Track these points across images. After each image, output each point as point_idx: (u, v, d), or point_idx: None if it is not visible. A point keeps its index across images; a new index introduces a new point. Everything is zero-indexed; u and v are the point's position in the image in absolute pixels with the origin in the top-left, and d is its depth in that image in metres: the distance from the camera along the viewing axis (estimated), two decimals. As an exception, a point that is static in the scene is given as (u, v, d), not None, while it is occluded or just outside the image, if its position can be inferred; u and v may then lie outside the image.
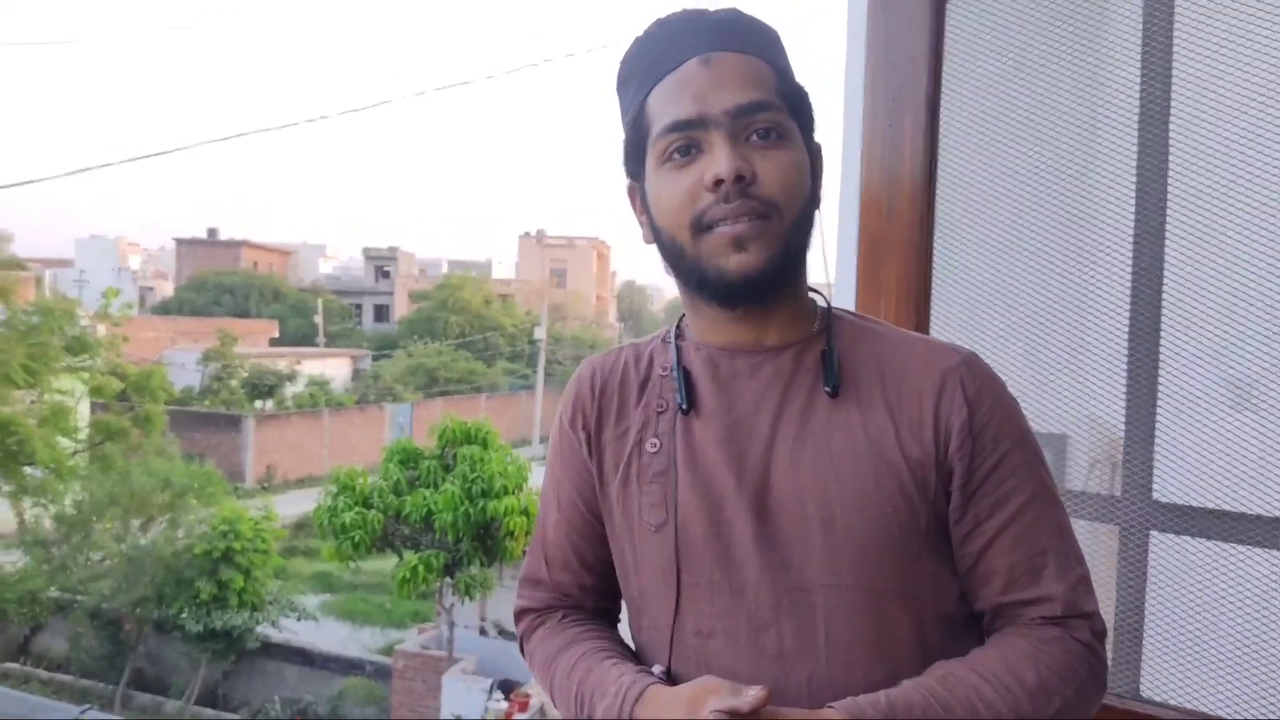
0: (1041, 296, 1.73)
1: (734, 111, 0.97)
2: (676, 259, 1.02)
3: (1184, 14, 1.57)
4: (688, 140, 0.98)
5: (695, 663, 0.99)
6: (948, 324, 1.79)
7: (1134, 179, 1.61)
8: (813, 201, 1.03)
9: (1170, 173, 1.57)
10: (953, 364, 1.01)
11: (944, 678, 0.93)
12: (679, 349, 1.08)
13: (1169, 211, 1.57)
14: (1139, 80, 1.61)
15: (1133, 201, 1.61)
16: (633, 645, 1.10)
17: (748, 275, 0.97)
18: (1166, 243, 1.57)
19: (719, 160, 0.96)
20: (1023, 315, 1.75)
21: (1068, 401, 1.67)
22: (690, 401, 1.04)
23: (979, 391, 1.00)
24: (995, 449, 0.98)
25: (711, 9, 1.04)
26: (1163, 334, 1.56)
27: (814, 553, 0.96)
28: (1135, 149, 1.61)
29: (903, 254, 1.85)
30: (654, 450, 1.04)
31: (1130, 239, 1.61)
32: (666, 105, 0.99)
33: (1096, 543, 1.63)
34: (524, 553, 15.53)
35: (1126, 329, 1.60)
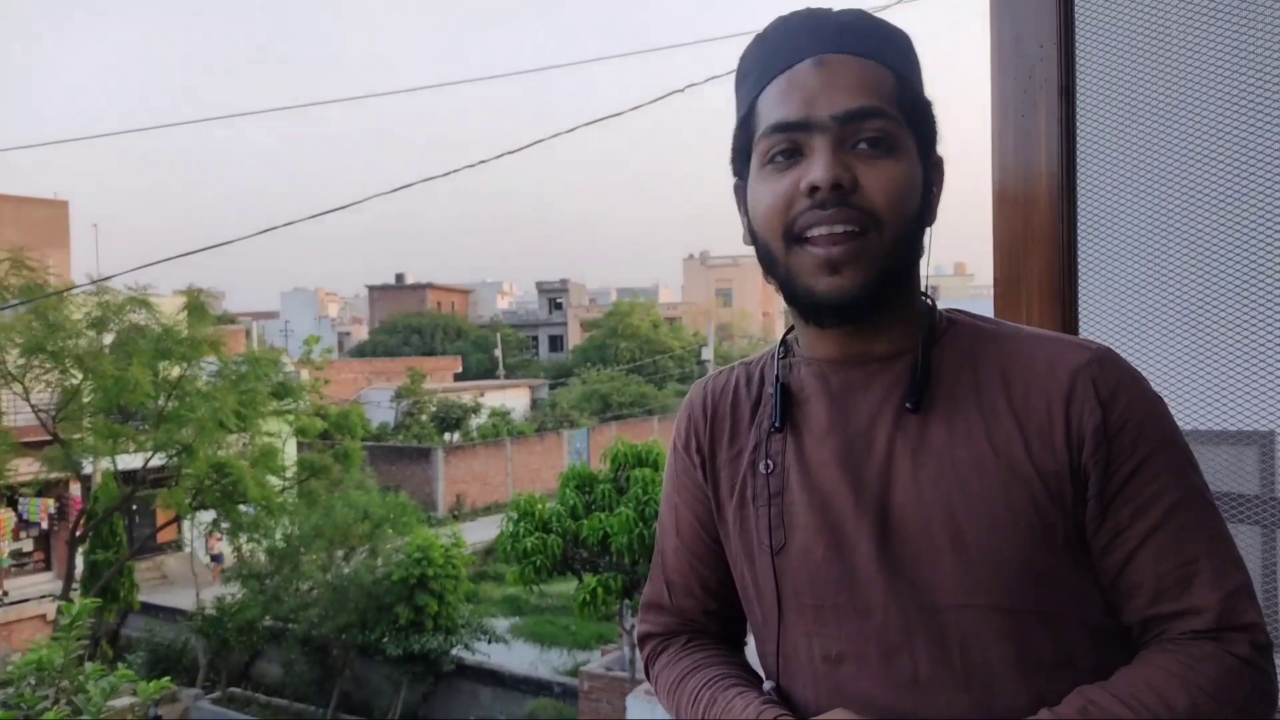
0: (1200, 288, 1.59)
1: (842, 117, 0.91)
2: (769, 266, 0.97)
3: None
4: (791, 143, 0.93)
5: (827, 690, 0.95)
6: (1098, 325, 1.67)
7: (1297, 151, 1.45)
8: (922, 218, 0.96)
9: (1340, 140, 1.41)
10: (1082, 362, 0.92)
11: (1083, 708, 0.85)
12: (788, 365, 1.04)
13: (1341, 183, 1.41)
14: (1297, 42, 1.46)
15: (1298, 176, 1.45)
16: (761, 671, 1.06)
17: (838, 300, 0.92)
18: (1340, 218, 1.40)
19: (817, 166, 0.90)
20: (1181, 309, 1.61)
21: (1232, 398, 1.52)
22: (786, 419, 0.99)
23: (1114, 391, 0.91)
24: (1134, 452, 0.90)
25: (837, 9, 0.98)
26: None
27: (944, 573, 0.90)
28: (1297, 118, 1.45)
29: (1043, 253, 1.74)
30: (768, 471, 1.00)
31: (1297, 217, 1.45)
32: (775, 106, 0.95)
33: (1248, 549, 1.47)
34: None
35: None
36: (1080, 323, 1.70)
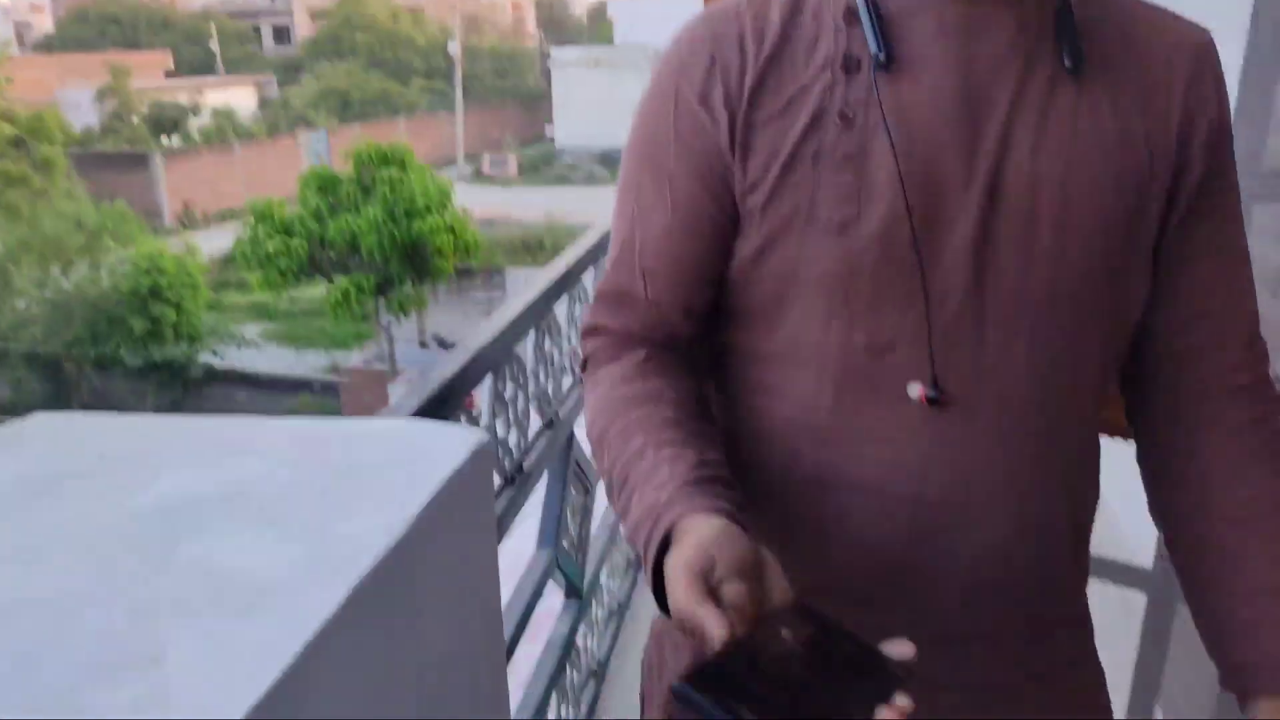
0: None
1: None
2: None
3: None
4: None
5: (863, 375, 0.80)
6: None
7: None
8: None
9: None
10: (1205, 41, 0.82)
11: None
12: None
13: None
14: None
15: None
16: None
17: None
18: None
19: None
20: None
21: None
22: (890, 53, 0.77)
23: (1220, 80, 0.83)
24: (1229, 156, 0.84)
25: None
26: None
27: (1036, 259, 0.77)
28: None
29: None
30: (847, 122, 0.78)
31: None
32: None
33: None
34: (456, 270, 15.74)
35: None
36: None
